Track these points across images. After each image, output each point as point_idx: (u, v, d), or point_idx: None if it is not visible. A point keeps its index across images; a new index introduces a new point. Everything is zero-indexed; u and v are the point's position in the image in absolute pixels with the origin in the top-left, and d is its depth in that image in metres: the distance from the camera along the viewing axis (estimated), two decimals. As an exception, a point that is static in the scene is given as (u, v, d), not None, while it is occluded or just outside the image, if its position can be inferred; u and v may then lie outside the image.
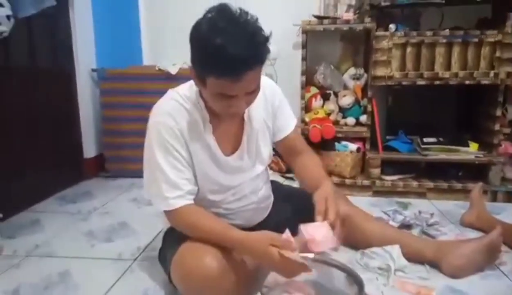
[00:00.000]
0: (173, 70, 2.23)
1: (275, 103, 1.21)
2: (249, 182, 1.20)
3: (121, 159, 2.39)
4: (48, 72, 2.15)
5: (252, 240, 1.01)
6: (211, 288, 0.99)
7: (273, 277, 1.12)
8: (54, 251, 1.49)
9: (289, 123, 1.25)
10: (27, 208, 1.91)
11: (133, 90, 2.31)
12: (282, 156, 1.34)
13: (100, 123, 2.44)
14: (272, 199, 1.35)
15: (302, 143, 1.30)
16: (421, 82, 2.03)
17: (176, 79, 2.07)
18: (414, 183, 2.07)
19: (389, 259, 1.28)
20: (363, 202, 1.96)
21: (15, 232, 1.64)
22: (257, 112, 1.16)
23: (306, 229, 1.02)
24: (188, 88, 1.11)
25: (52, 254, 1.46)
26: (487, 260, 1.29)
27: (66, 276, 1.30)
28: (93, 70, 2.39)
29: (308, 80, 2.29)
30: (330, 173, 2.18)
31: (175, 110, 1.07)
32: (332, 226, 1.04)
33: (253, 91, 0.99)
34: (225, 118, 1.08)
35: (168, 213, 1.08)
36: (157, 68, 2.29)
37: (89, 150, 2.43)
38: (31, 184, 1.97)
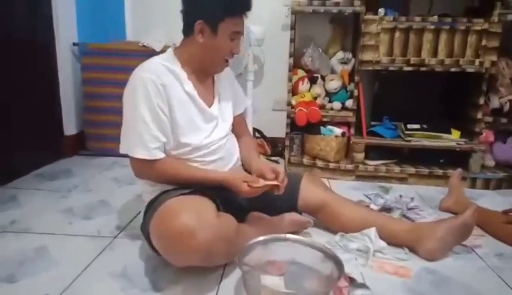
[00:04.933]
0: (158, 47, 2.17)
1: (235, 82, 1.46)
2: (224, 135, 1.32)
3: (102, 137, 2.33)
4: (27, 45, 2.05)
5: (230, 178, 1.20)
6: (187, 240, 0.99)
7: (255, 256, 1.13)
8: (31, 227, 1.45)
9: (242, 103, 1.48)
10: (3, 185, 1.86)
11: (115, 67, 2.24)
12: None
13: (81, 100, 2.37)
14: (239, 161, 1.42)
15: (245, 126, 1.51)
16: (407, 68, 2.03)
17: (160, 56, 2.01)
18: (396, 168, 2.09)
19: (367, 241, 1.30)
20: (345, 186, 1.98)
21: (-10, 207, 1.60)
22: (223, 78, 1.37)
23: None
24: (166, 54, 1.27)
25: (28, 230, 1.43)
26: (459, 239, 1.33)
27: (43, 252, 1.28)
28: (74, 44, 2.31)
29: (296, 62, 2.26)
30: (315, 157, 2.19)
31: (157, 67, 1.19)
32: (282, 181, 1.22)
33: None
34: (207, 73, 1.29)
35: (149, 163, 1.15)
36: (140, 44, 2.23)
37: (69, 127, 2.37)
38: (8, 161, 1.91)
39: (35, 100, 2.11)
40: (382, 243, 1.31)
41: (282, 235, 1.21)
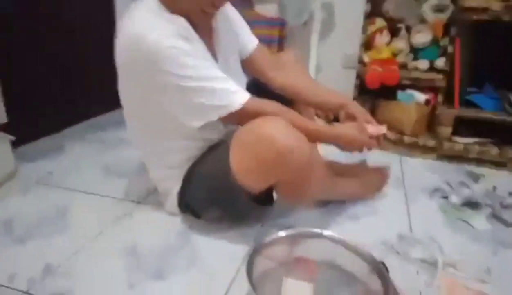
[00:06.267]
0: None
1: (237, 19, 1.18)
2: None
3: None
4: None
5: (343, 133, 1.08)
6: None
7: (283, 254, 0.91)
8: (63, 181, 1.40)
9: (251, 38, 1.21)
10: (57, 132, 1.86)
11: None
12: (258, 74, 1.23)
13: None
14: None
15: (276, 57, 1.27)
16: (528, 18, 1.51)
17: None
18: (494, 150, 1.64)
19: (436, 250, 0.98)
20: (422, 166, 1.64)
21: (35, 156, 1.59)
22: (221, 24, 1.10)
23: None
24: (146, 10, 0.94)
25: (60, 185, 1.38)
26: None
27: (63, 211, 1.20)
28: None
29: (375, 9, 1.84)
30: (388, 127, 1.82)
31: (158, 19, 0.92)
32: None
33: None
34: (199, 22, 0.99)
35: (245, 107, 0.92)
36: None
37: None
38: (64, 108, 1.91)
39: (94, 48, 2.05)
40: (456, 255, 0.99)
41: (317, 230, 0.96)
